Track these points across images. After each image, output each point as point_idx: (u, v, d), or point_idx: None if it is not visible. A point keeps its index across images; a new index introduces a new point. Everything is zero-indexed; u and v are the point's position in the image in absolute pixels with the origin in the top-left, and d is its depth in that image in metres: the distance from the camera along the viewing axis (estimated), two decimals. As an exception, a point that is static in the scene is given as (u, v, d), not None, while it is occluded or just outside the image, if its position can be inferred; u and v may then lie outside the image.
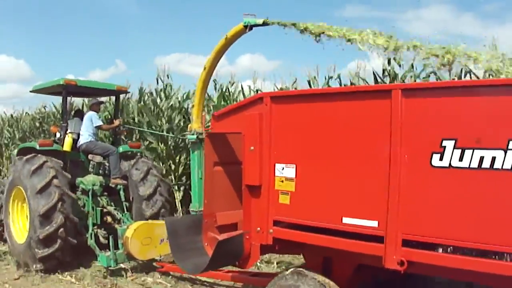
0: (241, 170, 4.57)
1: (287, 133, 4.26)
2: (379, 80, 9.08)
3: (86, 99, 13.30)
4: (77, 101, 14.14)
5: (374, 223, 3.73)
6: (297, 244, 4.36)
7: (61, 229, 7.25)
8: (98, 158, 8.59)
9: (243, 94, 11.83)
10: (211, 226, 4.91)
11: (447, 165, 3.39)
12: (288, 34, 5.70)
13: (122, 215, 8.05)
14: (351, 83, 9.58)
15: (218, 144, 5.01)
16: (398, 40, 4.73)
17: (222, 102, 11.40)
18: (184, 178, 11.57)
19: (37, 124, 16.89)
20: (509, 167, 3.11)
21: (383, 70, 9.16)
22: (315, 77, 10.24)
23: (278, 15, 6.03)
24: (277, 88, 11.00)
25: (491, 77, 5.12)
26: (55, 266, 7.53)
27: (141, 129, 11.48)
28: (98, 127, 8.73)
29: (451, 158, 3.37)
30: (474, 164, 3.28)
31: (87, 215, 8.04)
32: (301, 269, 4.28)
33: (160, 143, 11.58)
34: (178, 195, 11.37)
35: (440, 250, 3.97)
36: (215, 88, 12.10)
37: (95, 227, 8.09)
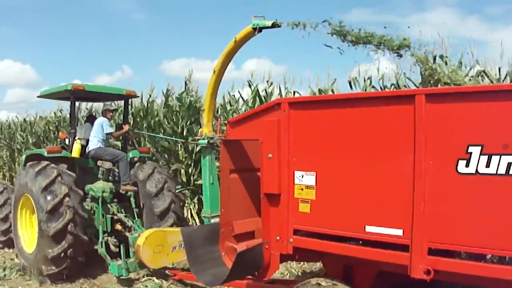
0: (258, 177, 4.49)
1: (306, 140, 4.18)
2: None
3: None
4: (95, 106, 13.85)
5: (399, 232, 3.66)
6: (316, 252, 4.29)
7: (70, 250, 7.13)
8: (108, 164, 8.46)
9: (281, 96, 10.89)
10: (228, 235, 4.82)
11: (474, 171, 3.33)
12: (294, 37, 5.69)
13: (133, 222, 7.96)
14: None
15: (234, 151, 4.92)
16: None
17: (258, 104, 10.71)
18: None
19: (53, 128, 16.44)
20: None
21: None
22: (356, 78, 9.56)
23: (283, 18, 5.90)
24: (313, 90, 10.42)
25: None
26: (69, 269, 7.37)
27: (151, 134, 11.35)
28: (109, 134, 8.61)
29: (477, 164, 3.32)
30: (502, 170, 3.22)
31: (97, 223, 7.94)
32: (324, 278, 4.19)
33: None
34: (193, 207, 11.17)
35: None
36: (251, 89, 11.32)
37: (106, 234, 7.98)
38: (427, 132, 3.49)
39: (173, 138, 10.94)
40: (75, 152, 8.33)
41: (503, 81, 7.62)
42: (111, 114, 8.96)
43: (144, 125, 12.25)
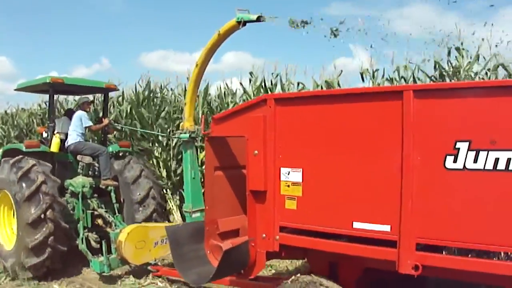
0: (243, 174, 4.43)
1: (293, 136, 4.12)
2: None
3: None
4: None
5: (387, 228, 3.64)
6: (301, 249, 4.27)
7: (51, 237, 6.96)
8: (88, 159, 8.30)
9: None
10: (213, 233, 4.76)
11: (461, 167, 3.34)
12: (275, 31, 5.73)
13: (114, 218, 7.84)
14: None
15: (219, 148, 4.85)
16: None
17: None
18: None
19: (37, 121, 15.69)
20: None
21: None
22: (367, 70, 9.22)
23: (261, 11, 5.87)
24: (316, 82, 10.07)
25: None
26: (45, 274, 7.26)
27: (132, 128, 11.19)
28: (88, 128, 8.45)
29: (465, 160, 3.32)
30: (489, 166, 3.24)
31: (77, 219, 7.80)
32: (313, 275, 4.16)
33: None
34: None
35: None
36: (250, 81, 11.07)
37: (86, 230, 7.85)
38: (415, 128, 3.47)
39: (155, 133, 10.82)
40: (54, 147, 8.17)
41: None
42: (89, 106, 8.81)
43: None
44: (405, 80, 8.54)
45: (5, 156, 7.84)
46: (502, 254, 5.22)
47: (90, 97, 9.28)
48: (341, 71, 9.71)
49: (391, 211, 3.58)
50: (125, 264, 7.32)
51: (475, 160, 3.27)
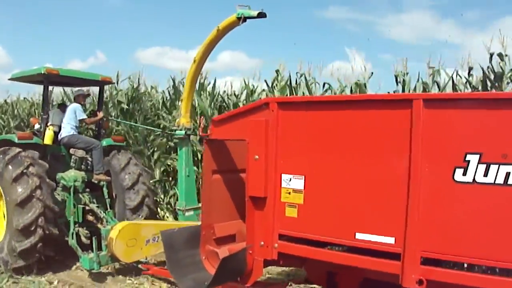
0: (241, 178, 4.30)
1: (296, 142, 4.01)
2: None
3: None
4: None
5: (391, 240, 3.56)
6: (299, 257, 4.16)
7: (41, 218, 6.86)
8: (81, 153, 8.10)
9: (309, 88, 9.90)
10: (209, 238, 4.64)
11: (471, 180, 3.25)
12: (272, 31, 5.56)
13: (105, 214, 7.68)
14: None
15: (217, 151, 4.72)
16: None
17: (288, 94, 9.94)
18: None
19: (39, 112, 14.57)
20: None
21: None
22: (402, 72, 8.65)
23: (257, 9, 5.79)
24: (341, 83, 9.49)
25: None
26: (36, 262, 7.11)
27: (126, 121, 11.01)
28: (82, 121, 8.27)
29: (475, 173, 3.24)
30: (500, 180, 3.15)
31: (68, 213, 7.64)
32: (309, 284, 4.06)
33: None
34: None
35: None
36: (277, 79, 10.42)
37: (77, 225, 7.69)
38: (424, 138, 3.38)
39: (150, 128, 10.65)
40: (47, 139, 7.98)
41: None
42: (84, 99, 8.66)
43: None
44: (438, 85, 8.19)
45: None
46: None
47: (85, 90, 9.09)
48: (372, 73, 9.17)
49: (396, 222, 3.49)
50: (115, 261, 7.17)
51: (486, 174, 3.18)
